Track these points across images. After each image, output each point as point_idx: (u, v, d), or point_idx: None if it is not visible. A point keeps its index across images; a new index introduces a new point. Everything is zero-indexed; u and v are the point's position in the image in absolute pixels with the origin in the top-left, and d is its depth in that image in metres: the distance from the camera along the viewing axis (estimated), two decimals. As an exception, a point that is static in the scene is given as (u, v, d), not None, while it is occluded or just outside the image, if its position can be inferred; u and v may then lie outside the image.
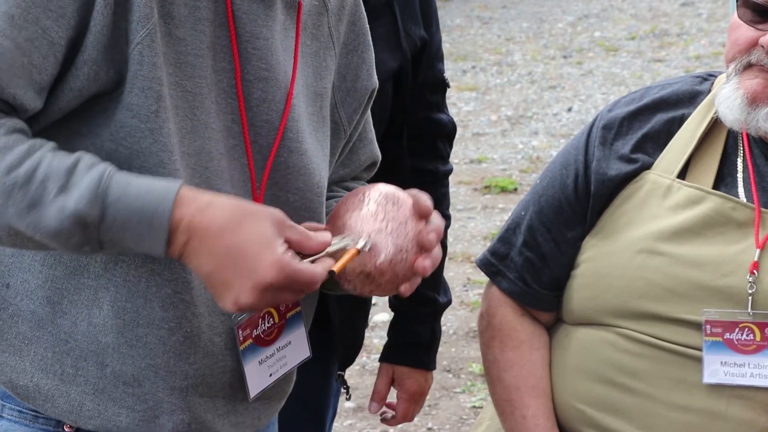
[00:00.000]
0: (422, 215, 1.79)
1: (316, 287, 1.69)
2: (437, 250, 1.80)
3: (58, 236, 1.67)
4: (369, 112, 2.06)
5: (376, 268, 1.77)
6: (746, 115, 2.11)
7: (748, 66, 2.12)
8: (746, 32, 2.13)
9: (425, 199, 1.80)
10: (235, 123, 1.81)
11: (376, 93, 2.03)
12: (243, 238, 1.66)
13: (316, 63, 1.92)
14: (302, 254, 1.71)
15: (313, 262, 1.71)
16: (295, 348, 1.93)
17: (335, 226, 1.80)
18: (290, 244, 1.70)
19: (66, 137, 1.74)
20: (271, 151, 1.84)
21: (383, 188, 1.82)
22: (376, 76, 2.03)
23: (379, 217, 1.78)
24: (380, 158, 2.12)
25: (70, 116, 1.75)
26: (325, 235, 1.74)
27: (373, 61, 2.02)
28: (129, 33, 1.70)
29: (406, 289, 1.81)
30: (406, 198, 1.80)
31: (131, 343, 1.78)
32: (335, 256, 1.74)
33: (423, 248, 1.78)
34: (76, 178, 1.66)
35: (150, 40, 1.70)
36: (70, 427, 1.82)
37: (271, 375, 1.90)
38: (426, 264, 1.78)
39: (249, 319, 1.84)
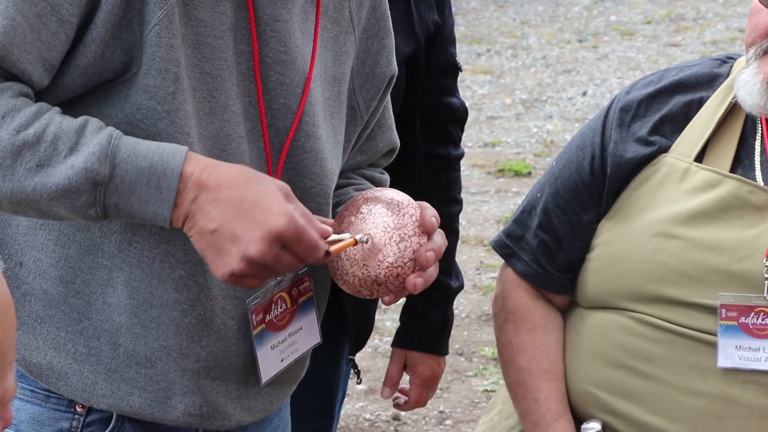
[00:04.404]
0: (426, 230, 1.79)
1: (317, 255, 1.69)
2: (432, 270, 1.80)
3: (65, 195, 1.66)
4: (388, 98, 2.05)
5: (370, 275, 1.78)
6: (766, 101, 2.10)
7: (768, 50, 2.11)
8: (766, 17, 2.11)
9: (431, 214, 1.81)
10: (252, 106, 1.80)
11: (394, 80, 2.02)
12: (253, 190, 1.66)
13: (336, 47, 1.91)
14: None
15: None
16: (306, 333, 1.92)
17: (339, 229, 1.81)
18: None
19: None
20: (288, 134, 1.83)
21: (392, 195, 1.82)
22: (395, 63, 2.02)
23: (382, 223, 1.79)
24: (399, 145, 2.12)
25: (82, 98, 1.74)
26: (327, 226, 1.75)
27: (393, 47, 2.01)
28: (145, 14, 1.69)
29: (390, 299, 1.82)
30: (413, 209, 1.80)
31: (144, 323, 1.78)
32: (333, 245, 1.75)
33: (419, 265, 1.79)
34: (86, 139, 1.66)
35: (168, 21, 1.69)
36: (82, 407, 1.83)
37: (282, 360, 1.90)
38: (418, 282, 1.79)
39: (262, 304, 1.84)
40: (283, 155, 1.83)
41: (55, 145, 1.65)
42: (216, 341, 1.82)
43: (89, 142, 1.66)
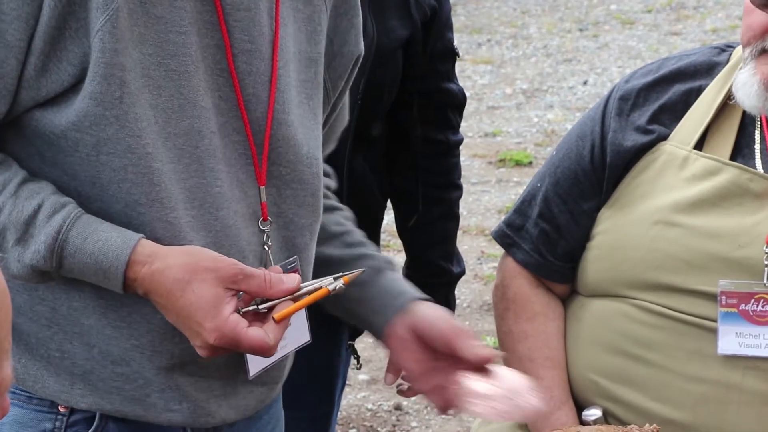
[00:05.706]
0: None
1: (268, 353, 1.71)
2: None
3: (20, 279, 1.72)
4: (352, 81, 2.03)
5: None
6: (764, 101, 2.09)
7: (763, 51, 2.09)
8: (759, 17, 2.09)
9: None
10: (222, 100, 1.77)
11: (360, 60, 2.00)
12: (187, 302, 1.67)
13: (311, 27, 1.88)
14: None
15: (271, 308, 1.72)
16: (295, 330, 1.89)
17: None
18: (249, 294, 1.71)
19: (28, 132, 1.73)
20: (266, 124, 1.81)
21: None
22: (362, 43, 2.00)
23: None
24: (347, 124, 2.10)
25: (29, 110, 1.72)
26: (292, 278, 1.74)
27: (361, 26, 1.99)
28: (89, 22, 1.67)
29: None
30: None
31: (115, 324, 1.76)
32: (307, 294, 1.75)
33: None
34: (35, 230, 1.69)
35: (111, 26, 1.66)
36: (65, 407, 1.81)
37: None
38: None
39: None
40: (266, 146, 1.81)
41: (4, 234, 1.70)
42: None
43: (38, 234, 1.69)
